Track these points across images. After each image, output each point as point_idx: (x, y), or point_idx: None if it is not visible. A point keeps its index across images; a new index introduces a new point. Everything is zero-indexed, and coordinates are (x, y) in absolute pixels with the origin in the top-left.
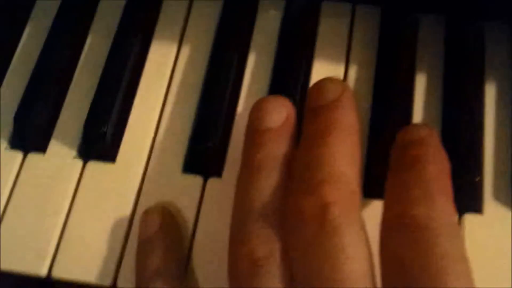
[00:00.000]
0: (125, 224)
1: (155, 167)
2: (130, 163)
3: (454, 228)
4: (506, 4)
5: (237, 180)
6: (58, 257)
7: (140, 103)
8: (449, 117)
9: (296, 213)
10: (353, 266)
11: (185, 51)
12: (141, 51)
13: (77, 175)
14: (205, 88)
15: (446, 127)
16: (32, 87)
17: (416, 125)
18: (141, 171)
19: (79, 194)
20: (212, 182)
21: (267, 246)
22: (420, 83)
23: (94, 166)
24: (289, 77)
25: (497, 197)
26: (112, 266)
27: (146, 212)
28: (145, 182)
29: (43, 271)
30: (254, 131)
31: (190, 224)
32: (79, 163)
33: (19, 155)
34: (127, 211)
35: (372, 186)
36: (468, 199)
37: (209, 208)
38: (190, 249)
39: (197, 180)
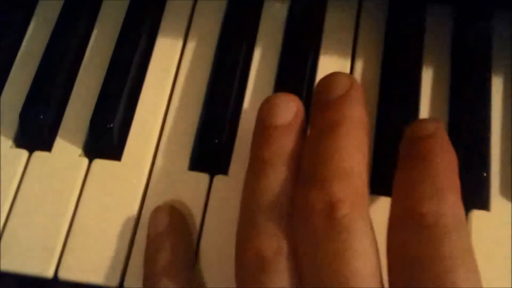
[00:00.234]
0: (132, 222)
1: (161, 165)
2: (136, 160)
3: (462, 224)
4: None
5: (245, 176)
6: (65, 257)
7: (145, 100)
8: (456, 113)
9: (304, 209)
10: (360, 262)
11: (191, 47)
12: (146, 48)
13: (83, 173)
14: (212, 84)
15: (453, 122)
16: (37, 85)
17: (424, 119)
18: (147, 169)
19: (85, 193)
20: (219, 179)
21: (274, 242)
22: (427, 78)
23: (100, 164)
24: (295, 71)
25: (504, 193)
26: (119, 266)
27: (155, 210)
28: (151, 180)
29: (49, 273)
30: (263, 128)
31: (197, 222)
32: (85, 161)
33: (24, 154)
34: (134, 209)
35: (379, 183)
36: (475, 196)
37: (215, 206)
38: (197, 246)
39: (204, 177)
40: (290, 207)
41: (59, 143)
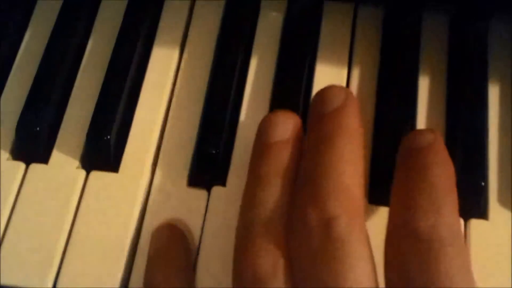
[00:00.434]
0: (130, 234)
1: (159, 178)
2: (133, 171)
3: (458, 239)
4: (508, 2)
5: (243, 192)
6: (63, 270)
7: (142, 111)
8: (453, 120)
9: (300, 226)
10: (357, 278)
11: (188, 55)
12: (143, 57)
13: (81, 185)
14: (209, 95)
15: (450, 130)
16: (33, 97)
17: (421, 130)
18: (145, 180)
19: (82, 205)
20: (217, 190)
21: (271, 259)
22: (424, 84)
23: (97, 176)
24: (292, 78)
25: (503, 202)
26: (117, 279)
27: (156, 229)
28: (151, 196)
29: (48, 285)
30: (261, 144)
31: (197, 238)
32: (82, 173)
33: (21, 166)
34: (132, 220)
35: (375, 192)
36: (473, 204)
37: (213, 217)
38: (196, 260)
39: (203, 194)
40: (286, 223)
41: (56, 155)
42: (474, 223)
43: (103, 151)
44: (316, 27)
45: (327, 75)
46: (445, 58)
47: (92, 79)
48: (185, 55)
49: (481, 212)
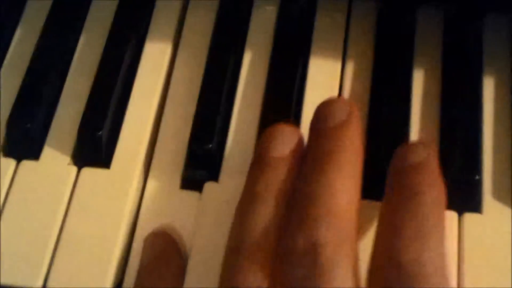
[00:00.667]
0: (122, 231)
1: (153, 177)
2: (125, 167)
3: (443, 272)
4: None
5: (236, 208)
6: (53, 268)
7: (134, 106)
8: (448, 115)
9: (287, 252)
10: None
11: (182, 52)
12: (135, 54)
13: (72, 182)
14: (202, 91)
15: (445, 125)
16: (24, 93)
17: (413, 145)
18: (136, 176)
19: (74, 202)
20: (209, 186)
21: (256, 282)
22: (418, 81)
23: (89, 172)
24: (285, 76)
25: (497, 196)
26: (109, 276)
27: (149, 236)
28: (144, 194)
29: (38, 283)
30: (259, 160)
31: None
32: (73, 169)
33: (12, 163)
34: (124, 218)
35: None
36: (467, 198)
37: (205, 213)
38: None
39: (195, 194)
40: (276, 245)
41: (47, 152)
42: (468, 217)
43: (94, 147)
44: (310, 24)
45: (321, 72)
46: (439, 55)
47: (83, 76)
48: (179, 53)
49: (475, 206)
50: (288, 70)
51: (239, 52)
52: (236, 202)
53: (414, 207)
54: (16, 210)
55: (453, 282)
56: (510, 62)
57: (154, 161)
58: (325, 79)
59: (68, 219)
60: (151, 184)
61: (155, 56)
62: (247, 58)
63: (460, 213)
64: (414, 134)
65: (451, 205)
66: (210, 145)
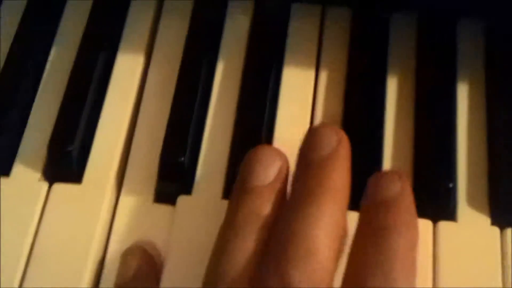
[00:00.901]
0: (94, 247)
1: (125, 192)
2: (97, 182)
3: None
4: (477, 2)
5: (217, 236)
6: (24, 285)
7: (106, 119)
8: (421, 122)
9: None
10: None
11: (156, 60)
12: (106, 66)
13: (43, 198)
14: (174, 103)
15: (418, 131)
16: None
17: (386, 177)
18: (109, 190)
19: (45, 218)
20: (182, 199)
21: None
22: (392, 85)
23: (60, 188)
24: (259, 81)
25: (471, 203)
26: None
27: (125, 254)
28: (117, 210)
29: None
30: (241, 187)
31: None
32: (44, 185)
33: None
34: (95, 233)
35: None
36: (441, 206)
37: (180, 227)
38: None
39: (169, 208)
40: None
41: (18, 167)
42: (443, 225)
43: (65, 163)
44: (283, 29)
45: (295, 76)
46: (413, 58)
47: (55, 86)
48: (153, 60)
49: (450, 214)
50: (261, 79)
51: (212, 62)
52: (210, 215)
53: (385, 251)
54: None
55: None
56: (483, 68)
57: (127, 175)
58: (299, 85)
59: (39, 236)
60: (124, 198)
61: (127, 68)
62: (220, 67)
63: (435, 222)
64: (388, 140)
65: (425, 214)
66: (183, 158)
